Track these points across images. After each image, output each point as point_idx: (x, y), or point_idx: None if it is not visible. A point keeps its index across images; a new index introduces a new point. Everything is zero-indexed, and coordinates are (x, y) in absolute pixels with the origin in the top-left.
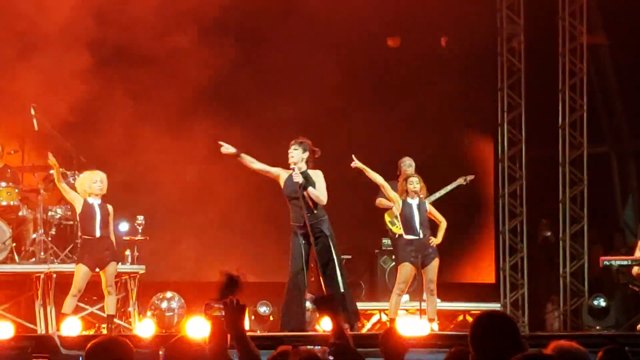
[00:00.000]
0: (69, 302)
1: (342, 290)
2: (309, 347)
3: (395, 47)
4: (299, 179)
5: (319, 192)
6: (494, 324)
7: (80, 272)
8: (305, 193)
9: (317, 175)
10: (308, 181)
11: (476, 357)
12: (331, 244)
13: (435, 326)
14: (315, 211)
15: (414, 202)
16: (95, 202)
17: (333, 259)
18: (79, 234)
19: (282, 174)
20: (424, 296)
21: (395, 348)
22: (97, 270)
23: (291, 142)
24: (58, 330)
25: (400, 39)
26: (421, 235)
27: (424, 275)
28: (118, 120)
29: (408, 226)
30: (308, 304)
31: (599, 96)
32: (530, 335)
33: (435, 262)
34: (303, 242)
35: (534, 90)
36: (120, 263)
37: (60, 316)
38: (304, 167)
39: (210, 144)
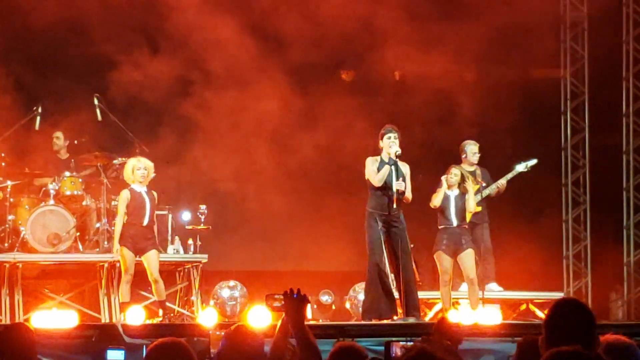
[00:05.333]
0: (124, 289)
1: (418, 278)
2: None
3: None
4: (405, 170)
5: (408, 191)
6: (570, 311)
7: (126, 256)
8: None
9: (406, 168)
10: (403, 174)
11: (547, 341)
12: (406, 234)
13: (495, 314)
14: (400, 203)
15: (452, 193)
16: (142, 190)
17: (409, 248)
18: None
19: (372, 162)
20: (463, 286)
21: (448, 337)
22: (138, 257)
23: (388, 129)
24: (122, 318)
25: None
26: (454, 224)
27: (460, 265)
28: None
29: (443, 215)
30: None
31: None
32: None
33: (469, 252)
34: (383, 229)
35: (598, 77)
36: (162, 252)
37: (121, 305)
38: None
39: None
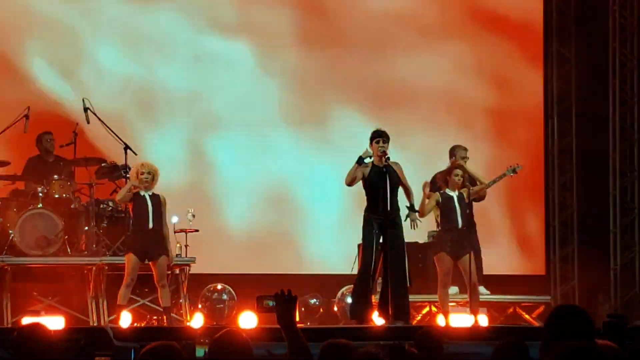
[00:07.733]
0: (123, 293)
1: (408, 283)
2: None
3: None
4: (397, 169)
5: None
6: (570, 317)
7: (130, 262)
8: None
9: (398, 167)
10: (397, 175)
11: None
12: (402, 236)
13: (482, 318)
14: (395, 205)
15: (454, 194)
16: (147, 194)
17: (403, 251)
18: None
19: (362, 169)
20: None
21: (430, 342)
22: (147, 261)
23: (377, 133)
24: (117, 321)
25: None
26: (458, 226)
27: (460, 268)
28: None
29: (446, 217)
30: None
31: None
32: None
33: (470, 256)
34: (377, 231)
35: (585, 81)
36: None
37: (116, 308)
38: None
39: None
